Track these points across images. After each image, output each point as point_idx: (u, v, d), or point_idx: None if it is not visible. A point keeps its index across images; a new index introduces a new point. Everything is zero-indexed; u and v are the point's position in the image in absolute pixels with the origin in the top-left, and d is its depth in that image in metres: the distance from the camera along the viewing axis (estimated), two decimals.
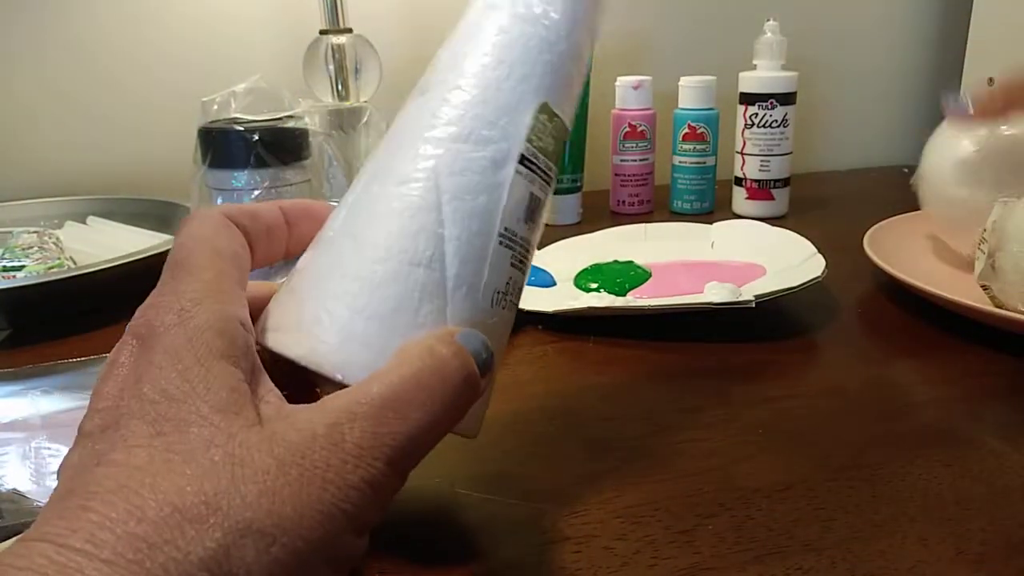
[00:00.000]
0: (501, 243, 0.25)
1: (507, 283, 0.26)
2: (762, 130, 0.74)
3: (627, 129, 0.76)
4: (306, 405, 0.21)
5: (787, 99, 0.73)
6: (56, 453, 0.34)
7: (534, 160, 0.26)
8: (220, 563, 0.17)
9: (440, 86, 0.26)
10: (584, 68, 0.29)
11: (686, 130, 0.76)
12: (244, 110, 0.49)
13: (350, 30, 0.70)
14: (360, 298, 0.24)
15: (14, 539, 0.18)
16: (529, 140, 0.26)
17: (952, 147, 0.55)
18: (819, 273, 0.48)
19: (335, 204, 0.27)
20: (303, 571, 0.19)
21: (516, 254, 0.26)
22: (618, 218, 0.78)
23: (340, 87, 0.70)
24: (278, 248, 0.27)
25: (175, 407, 0.19)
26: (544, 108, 0.26)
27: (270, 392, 0.22)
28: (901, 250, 0.58)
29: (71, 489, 0.18)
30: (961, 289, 0.46)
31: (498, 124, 0.25)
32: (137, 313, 0.22)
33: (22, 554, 0.16)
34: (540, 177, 0.27)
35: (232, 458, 0.19)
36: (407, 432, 0.21)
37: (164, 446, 0.19)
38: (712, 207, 0.78)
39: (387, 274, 0.24)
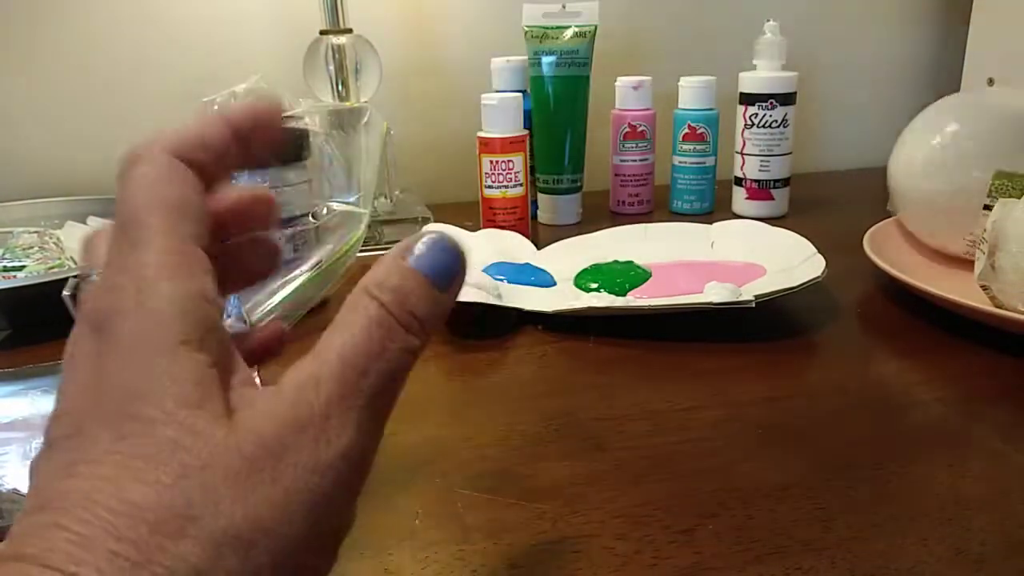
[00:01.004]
0: None
1: None
2: (762, 130, 0.74)
3: (627, 129, 0.76)
4: (269, 388, 0.20)
5: (787, 99, 0.73)
6: None
7: None
8: (204, 573, 0.17)
9: None
10: None
11: (686, 130, 0.76)
12: None
13: (350, 30, 0.70)
14: None
15: None
16: None
17: (919, 142, 0.56)
18: (819, 273, 0.48)
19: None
20: (292, 566, 0.18)
21: None
22: (618, 218, 0.78)
23: (340, 87, 0.70)
24: (230, 171, 0.24)
25: (137, 405, 0.18)
26: None
27: (240, 372, 0.20)
28: (901, 250, 0.58)
29: (41, 505, 0.18)
30: (961, 289, 0.46)
31: None
32: (88, 296, 0.20)
33: (6, 574, 0.16)
34: None
35: (200, 460, 0.18)
36: (369, 389, 0.19)
37: (129, 451, 0.18)
38: (712, 207, 0.78)
39: None
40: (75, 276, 0.24)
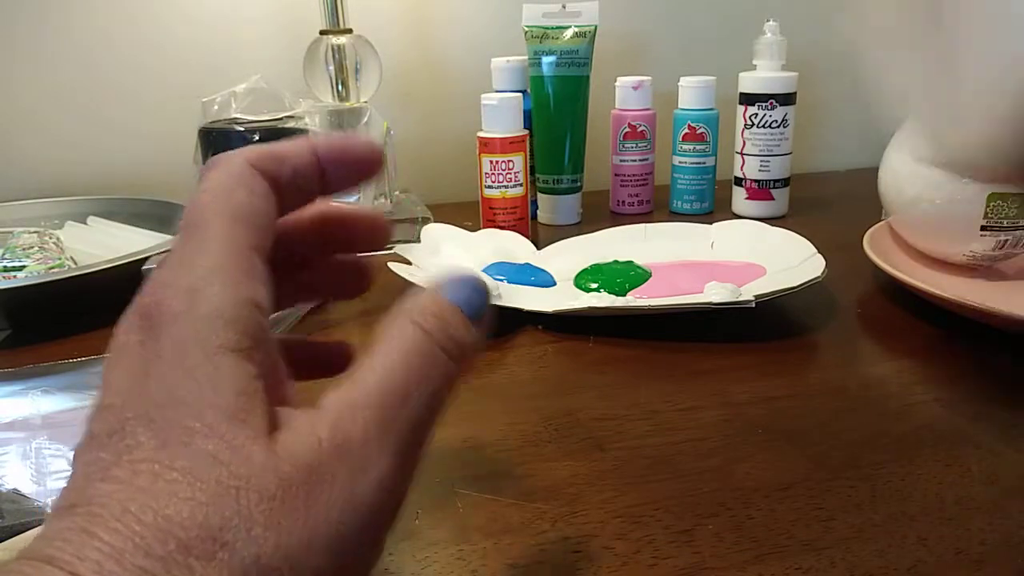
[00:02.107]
0: None
1: None
2: (762, 130, 0.74)
3: (627, 129, 0.76)
4: (312, 409, 0.20)
5: (787, 99, 0.73)
6: (57, 453, 0.34)
7: None
8: None
9: None
10: None
11: (686, 130, 0.76)
12: (244, 110, 0.49)
13: (350, 30, 0.70)
14: None
15: (15, 551, 0.18)
16: None
17: (907, 150, 0.55)
18: (819, 273, 0.48)
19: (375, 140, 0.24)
20: None
21: None
22: (618, 218, 0.78)
23: (340, 87, 0.70)
24: (308, 194, 0.24)
25: (180, 412, 0.18)
26: None
27: (284, 387, 0.21)
28: (901, 250, 0.58)
29: (73, 503, 0.18)
30: (961, 289, 0.46)
31: None
32: (146, 287, 0.20)
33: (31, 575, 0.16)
34: None
35: (237, 480, 0.17)
36: (410, 416, 0.20)
37: (168, 461, 0.18)
38: (712, 207, 0.78)
39: None
40: (161, 253, 0.25)
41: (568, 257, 0.59)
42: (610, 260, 0.57)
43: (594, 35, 0.74)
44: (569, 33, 0.74)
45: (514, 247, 0.61)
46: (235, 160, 0.22)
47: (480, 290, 0.22)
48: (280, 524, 0.17)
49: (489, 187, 0.65)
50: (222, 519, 0.17)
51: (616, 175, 0.78)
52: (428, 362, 0.20)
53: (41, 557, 0.16)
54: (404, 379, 0.20)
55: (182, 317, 0.19)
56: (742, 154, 0.75)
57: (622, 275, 0.54)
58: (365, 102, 0.70)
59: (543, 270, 0.56)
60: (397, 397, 0.19)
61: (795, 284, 0.47)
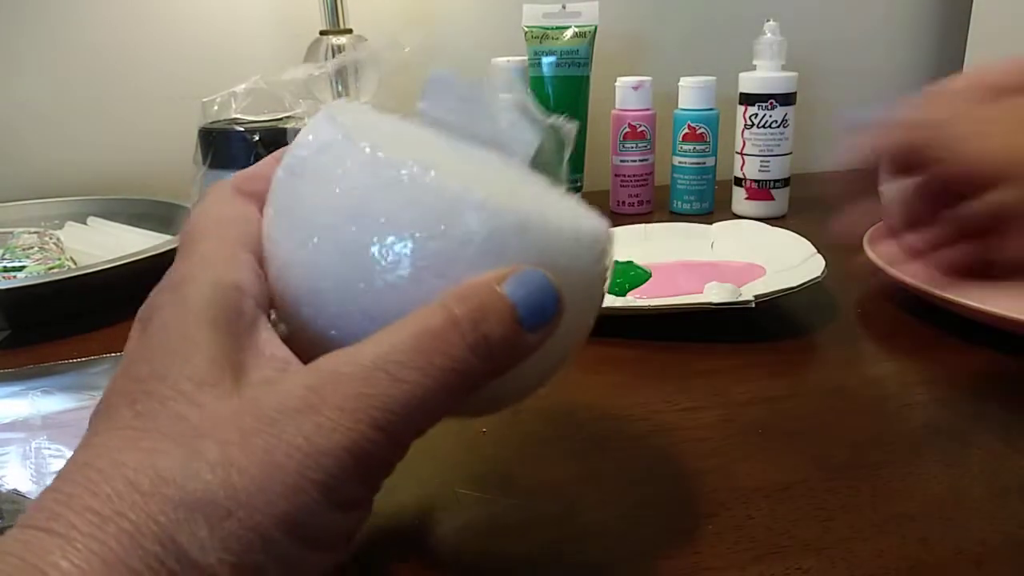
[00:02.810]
0: None
1: None
2: (762, 130, 0.74)
3: (627, 129, 0.76)
4: (297, 368, 0.20)
5: (787, 99, 0.73)
6: (57, 453, 0.34)
7: None
8: (173, 537, 0.17)
9: None
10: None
11: (686, 130, 0.76)
12: (244, 111, 0.49)
13: (350, 30, 0.70)
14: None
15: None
16: None
17: None
18: (819, 273, 0.48)
19: None
20: (267, 547, 0.18)
21: None
22: (618, 218, 0.78)
23: (340, 88, 0.70)
24: None
25: (156, 384, 0.19)
26: None
27: (273, 355, 0.21)
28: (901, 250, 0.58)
29: (56, 475, 0.19)
30: (961, 289, 0.46)
31: None
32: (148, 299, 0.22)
33: (1, 539, 0.17)
34: None
35: (196, 431, 0.18)
36: (400, 396, 0.19)
37: (140, 424, 0.19)
38: (712, 207, 0.78)
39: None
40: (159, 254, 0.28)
41: None
42: None
43: (594, 35, 0.74)
44: (569, 33, 0.74)
45: None
46: (222, 184, 0.25)
47: (548, 294, 0.20)
48: (231, 465, 0.18)
49: None
50: (172, 461, 0.18)
51: (616, 175, 0.78)
52: (441, 348, 0.19)
53: (17, 524, 0.18)
54: (405, 358, 0.19)
55: (168, 305, 0.21)
56: (742, 154, 0.75)
57: (622, 275, 0.54)
58: (365, 102, 0.70)
59: None
60: (388, 374, 0.19)
61: (795, 284, 0.47)
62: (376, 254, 0.21)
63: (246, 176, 0.25)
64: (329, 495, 0.18)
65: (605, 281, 0.25)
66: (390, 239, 0.21)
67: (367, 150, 0.22)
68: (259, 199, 0.24)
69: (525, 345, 0.20)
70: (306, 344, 0.22)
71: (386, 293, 0.21)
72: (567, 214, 0.23)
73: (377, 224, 0.21)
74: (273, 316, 0.23)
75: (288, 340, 0.22)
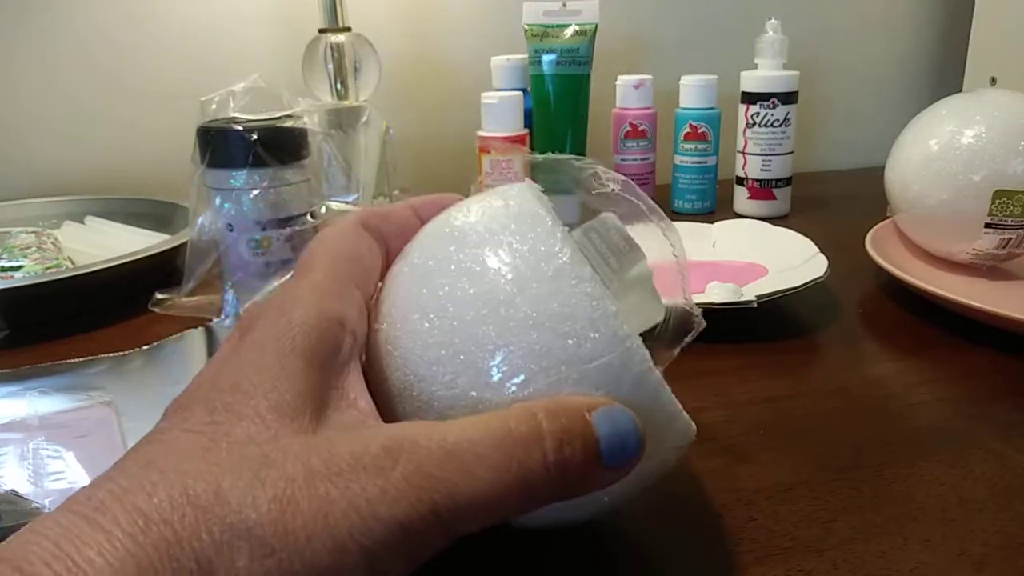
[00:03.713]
0: None
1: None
2: (764, 129, 0.73)
3: (628, 128, 0.76)
4: (377, 423, 0.20)
5: (789, 98, 0.72)
6: (54, 454, 0.34)
7: None
8: (211, 559, 0.16)
9: None
10: None
11: (687, 129, 0.76)
12: (243, 109, 0.48)
13: (349, 29, 0.70)
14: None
15: None
16: None
17: (916, 146, 0.55)
18: (821, 273, 0.48)
19: (461, 197, 0.27)
20: None
21: None
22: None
23: (339, 86, 0.70)
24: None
25: (238, 399, 0.19)
26: None
27: (356, 401, 0.21)
28: (903, 250, 0.58)
29: (117, 462, 0.19)
30: (963, 289, 0.46)
31: None
32: (249, 307, 0.23)
33: (42, 519, 0.17)
34: None
35: (264, 459, 0.18)
36: (467, 489, 0.18)
37: (211, 434, 0.19)
38: (713, 207, 0.78)
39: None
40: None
41: None
42: None
43: (594, 33, 0.74)
44: (569, 31, 0.73)
45: None
46: (347, 218, 0.25)
47: (632, 437, 0.21)
48: (288, 504, 0.17)
49: (489, 186, 0.65)
50: (234, 483, 0.17)
51: None
52: (520, 456, 0.19)
53: (61, 505, 0.17)
54: (483, 454, 0.19)
55: (268, 324, 0.21)
56: (744, 153, 0.75)
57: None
58: (364, 101, 0.70)
59: None
60: (463, 464, 0.19)
61: (797, 284, 0.46)
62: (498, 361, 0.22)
63: (374, 213, 0.26)
64: (370, 561, 0.18)
65: (671, 465, 0.26)
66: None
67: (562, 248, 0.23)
68: (381, 238, 0.25)
69: (597, 479, 0.21)
70: (381, 384, 0.23)
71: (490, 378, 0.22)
72: (672, 396, 0.24)
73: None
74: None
75: (371, 360, 0.23)
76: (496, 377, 0.21)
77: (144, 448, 0.19)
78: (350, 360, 0.22)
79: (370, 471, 0.18)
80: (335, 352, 0.21)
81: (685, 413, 0.25)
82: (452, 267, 0.23)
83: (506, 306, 0.22)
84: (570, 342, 0.21)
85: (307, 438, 0.19)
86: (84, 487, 0.18)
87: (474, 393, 0.22)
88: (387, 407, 0.24)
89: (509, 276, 0.22)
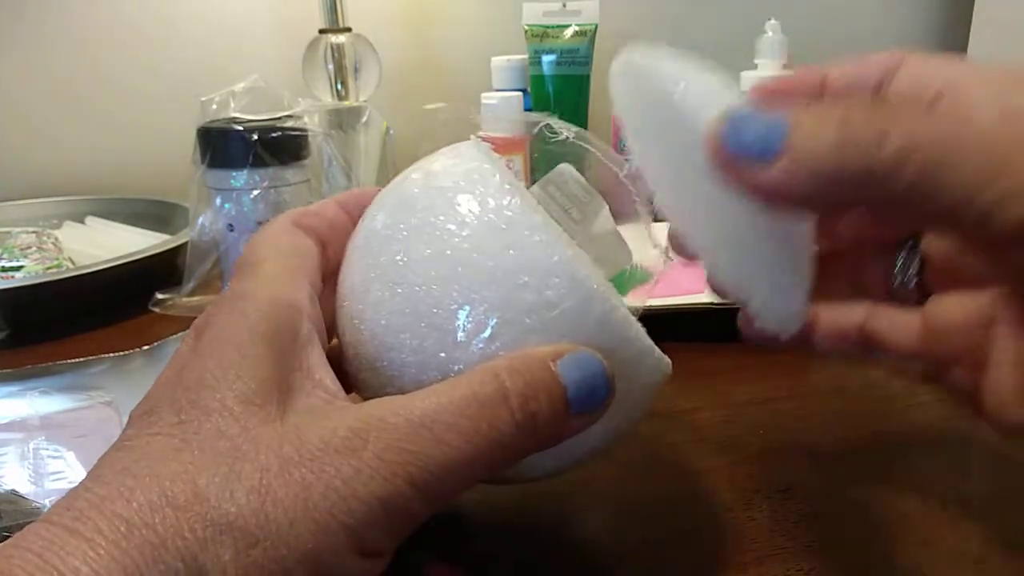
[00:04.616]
0: None
1: None
2: None
3: None
4: (344, 404, 0.20)
5: None
6: (55, 454, 0.34)
7: None
8: (196, 556, 0.17)
9: None
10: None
11: None
12: (243, 110, 0.49)
13: (349, 29, 0.70)
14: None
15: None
16: None
17: None
18: None
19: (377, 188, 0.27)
20: None
21: None
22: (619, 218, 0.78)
23: (339, 86, 0.70)
24: (345, 239, 0.27)
25: (203, 395, 0.19)
26: None
27: (321, 381, 0.21)
28: None
29: (90, 472, 0.19)
30: None
31: None
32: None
33: (23, 533, 0.17)
34: None
35: (236, 451, 0.18)
36: (440, 457, 0.19)
37: (180, 434, 0.19)
38: None
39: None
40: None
41: None
42: None
43: (595, 34, 0.74)
44: (569, 32, 0.73)
45: None
46: (279, 218, 0.26)
47: (601, 381, 0.20)
48: (267, 493, 0.18)
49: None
50: (210, 479, 0.18)
51: None
52: (487, 418, 0.19)
53: (40, 517, 0.18)
54: (451, 420, 0.19)
55: (222, 319, 0.21)
56: None
57: (622, 275, 0.54)
58: (364, 101, 0.70)
59: None
60: (432, 433, 0.19)
61: None
62: (463, 318, 0.22)
63: (305, 211, 0.26)
64: (355, 540, 0.18)
65: (652, 397, 0.25)
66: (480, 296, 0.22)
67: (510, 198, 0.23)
68: (315, 234, 0.26)
69: (569, 427, 0.21)
70: (354, 359, 0.24)
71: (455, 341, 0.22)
72: (642, 332, 0.24)
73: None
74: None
75: (339, 354, 0.23)
76: (461, 336, 0.21)
77: (115, 455, 0.19)
78: (310, 342, 0.22)
79: (342, 452, 0.18)
80: (293, 335, 0.21)
81: (657, 348, 0.24)
82: (405, 232, 0.23)
83: (463, 264, 0.22)
84: (529, 292, 0.21)
85: (276, 426, 0.19)
86: (62, 498, 0.18)
87: (443, 355, 0.22)
88: (362, 382, 0.24)
89: (463, 233, 0.22)
